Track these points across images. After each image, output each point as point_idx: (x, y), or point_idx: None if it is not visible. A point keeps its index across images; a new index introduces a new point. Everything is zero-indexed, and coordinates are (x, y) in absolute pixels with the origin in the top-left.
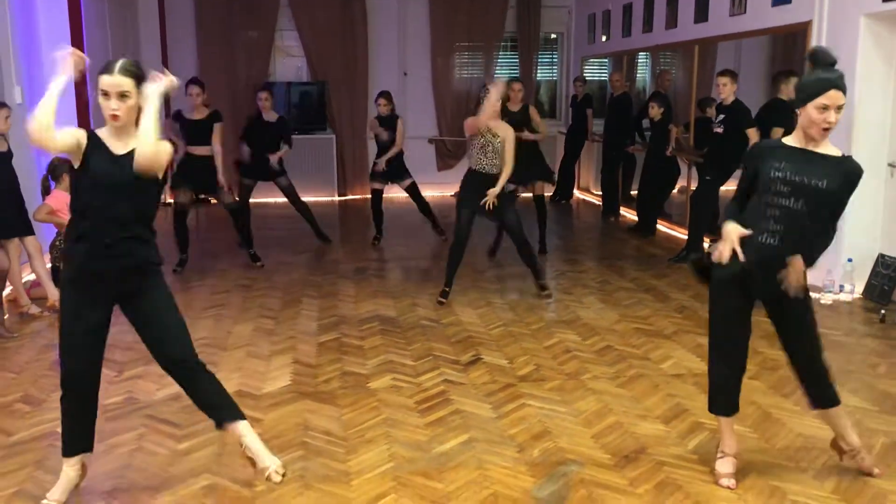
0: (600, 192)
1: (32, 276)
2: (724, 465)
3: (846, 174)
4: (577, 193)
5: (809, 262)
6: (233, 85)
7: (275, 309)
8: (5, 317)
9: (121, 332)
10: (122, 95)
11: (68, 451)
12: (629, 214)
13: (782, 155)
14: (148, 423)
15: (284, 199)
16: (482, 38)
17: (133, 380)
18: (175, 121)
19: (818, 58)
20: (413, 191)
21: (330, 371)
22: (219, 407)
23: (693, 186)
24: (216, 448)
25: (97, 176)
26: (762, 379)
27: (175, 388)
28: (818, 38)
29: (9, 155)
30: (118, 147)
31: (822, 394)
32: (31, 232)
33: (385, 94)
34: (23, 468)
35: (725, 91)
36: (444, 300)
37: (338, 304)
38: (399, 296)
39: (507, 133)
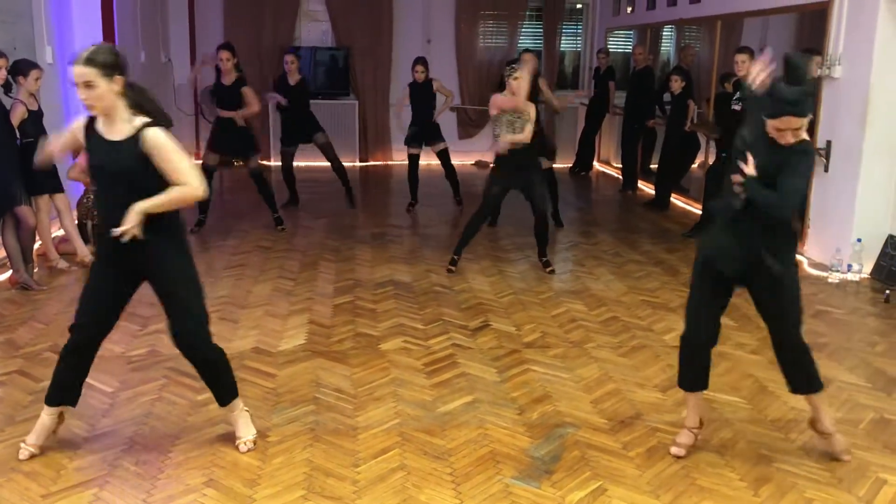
0: (620, 166)
1: (61, 232)
2: (681, 436)
3: (798, 155)
4: (596, 165)
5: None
6: (258, 49)
7: (293, 271)
8: (35, 270)
9: (147, 288)
10: (87, 85)
11: (51, 400)
12: (647, 188)
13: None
14: (169, 375)
15: (308, 163)
16: (507, 6)
17: (156, 334)
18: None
19: (789, 71)
20: (444, 156)
21: (343, 332)
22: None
23: (712, 162)
24: None
25: (94, 164)
26: (762, 353)
27: None
28: (839, 17)
29: (39, 114)
30: (112, 133)
31: (800, 378)
32: (60, 189)
33: (421, 61)
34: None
35: (744, 68)
36: (453, 269)
37: (354, 267)
38: (414, 262)
39: (531, 110)
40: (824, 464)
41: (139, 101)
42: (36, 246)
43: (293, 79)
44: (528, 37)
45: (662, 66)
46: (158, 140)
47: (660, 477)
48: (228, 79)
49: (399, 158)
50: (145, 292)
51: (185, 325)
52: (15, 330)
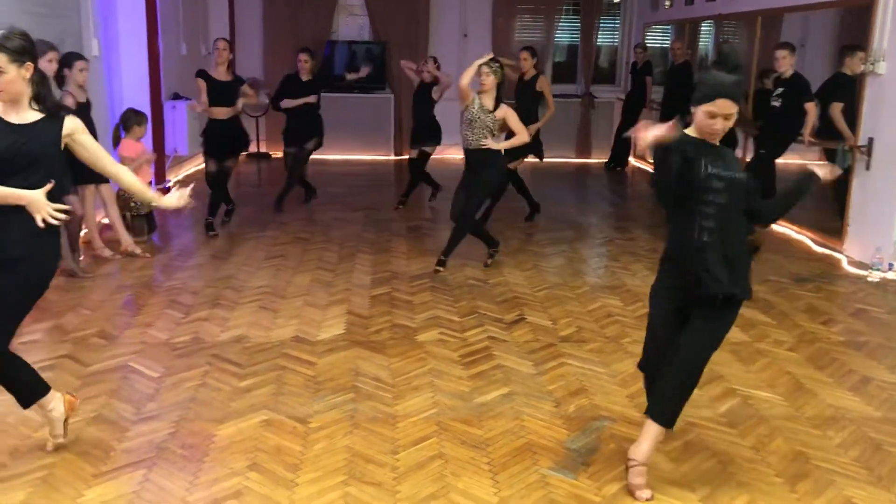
0: None
1: (105, 221)
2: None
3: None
4: (632, 161)
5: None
6: (296, 43)
7: (332, 262)
8: (81, 258)
9: (190, 277)
10: None
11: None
12: None
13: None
14: (212, 362)
15: (344, 157)
16: (544, 0)
17: (199, 322)
18: (200, 77)
19: (721, 59)
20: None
21: (381, 322)
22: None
23: (749, 158)
24: (274, 387)
25: None
26: (799, 351)
27: (238, 330)
28: (884, 13)
29: (87, 105)
30: (17, 118)
31: (659, 407)
32: (106, 180)
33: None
34: (99, 396)
35: (784, 64)
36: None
37: (391, 260)
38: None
39: (503, 115)
40: (863, 461)
41: (42, 90)
42: (81, 234)
43: (304, 77)
44: (565, 31)
45: (700, 61)
46: (79, 127)
47: (696, 471)
48: (225, 75)
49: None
50: (188, 283)
51: None
52: (63, 315)
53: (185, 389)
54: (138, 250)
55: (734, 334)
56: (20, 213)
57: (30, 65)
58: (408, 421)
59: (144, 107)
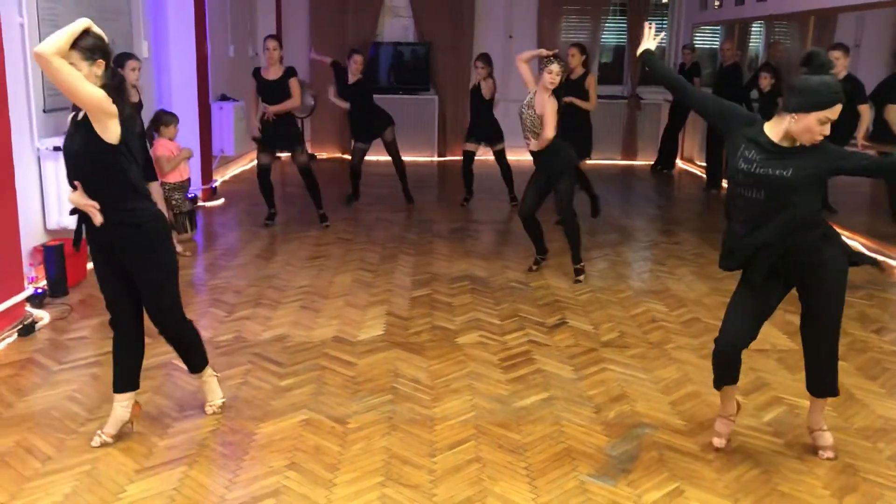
0: (704, 164)
1: None
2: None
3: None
4: (679, 163)
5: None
6: (342, 44)
7: (373, 263)
8: None
9: (234, 277)
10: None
11: (115, 388)
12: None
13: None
14: (254, 361)
15: (388, 157)
16: (591, 1)
17: (242, 320)
18: (253, 78)
19: (821, 61)
20: (501, 155)
21: (421, 324)
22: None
23: None
24: (314, 387)
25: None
26: (850, 360)
27: (280, 329)
28: None
29: (139, 106)
30: (82, 114)
31: (819, 383)
32: (155, 178)
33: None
34: (144, 392)
35: (838, 66)
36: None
37: (432, 261)
38: (491, 258)
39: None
40: None
41: (109, 86)
42: None
43: (353, 78)
44: (612, 32)
45: (750, 62)
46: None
47: (739, 481)
48: (274, 73)
49: (482, 153)
50: (231, 282)
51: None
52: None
53: (226, 388)
54: (180, 248)
55: (781, 341)
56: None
57: (101, 62)
58: (445, 424)
59: (192, 108)
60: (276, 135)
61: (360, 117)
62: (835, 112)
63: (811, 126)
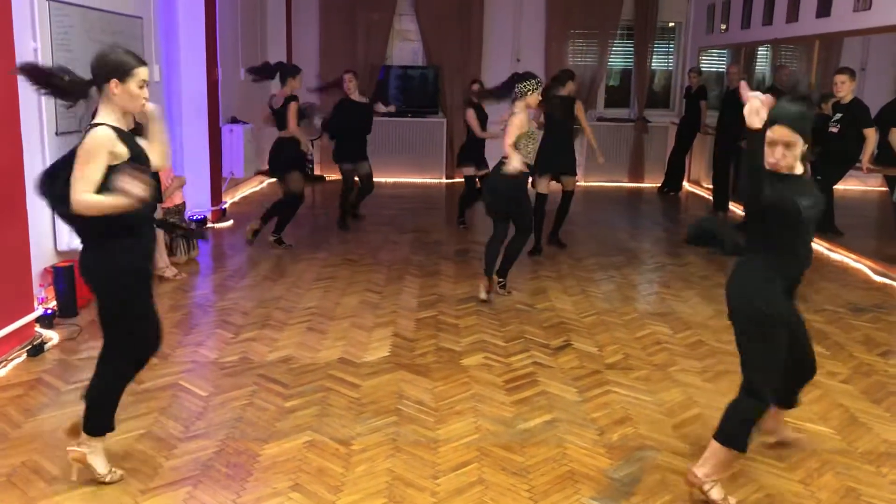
0: (711, 186)
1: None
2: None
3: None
4: (686, 186)
5: None
6: (351, 66)
7: (379, 284)
8: None
9: (241, 298)
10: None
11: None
12: (740, 211)
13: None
14: (259, 382)
15: (395, 179)
16: (598, 25)
17: (248, 342)
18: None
19: (790, 88)
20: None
21: (426, 346)
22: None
23: None
24: (319, 408)
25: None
26: (854, 383)
27: (286, 351)
28: None
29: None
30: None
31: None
32: (161, 199)
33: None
34: (150, 413)
35: (843, 89)
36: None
37: (438, 283)
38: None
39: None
40: None
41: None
42: None
43: (357, 97)
44: (619, 55)
45: (757, 85)
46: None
47: None
48: (359, 98)
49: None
50: (239, 303)
51: None
52: None
53: (231, 409)
54: (169, 273)
55: None
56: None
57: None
58: (449, 446)
59: (202, 130)
60: (277, 159)
61: (357, 138)
62: (773, 132)
63: (766, 150)
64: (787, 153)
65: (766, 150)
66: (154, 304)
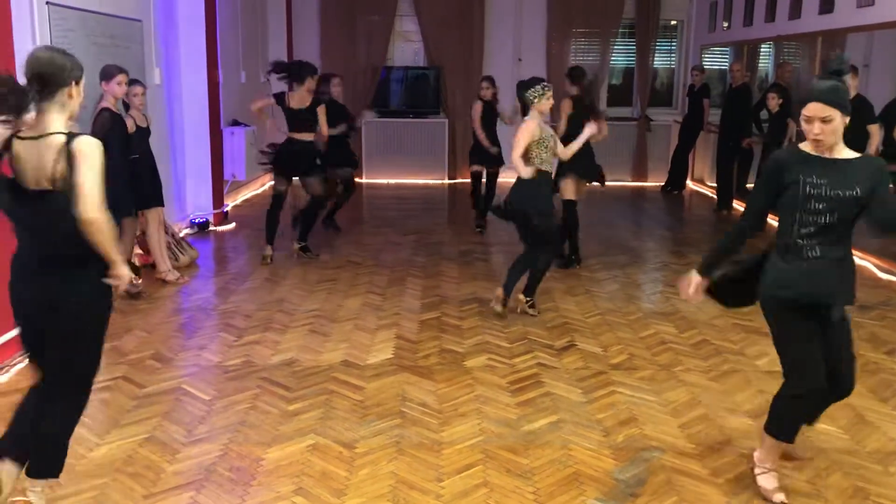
0: (714, 184)
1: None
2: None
3: (873, 173)
4: (689, 184)
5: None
6: (354, 69)
7: (382, 286)
8: (139, 280)
9: (243, 301)
10: None
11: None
12: (743, 209)
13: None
14: (262, 385)
15: (397, 181)
16: (599, 23)
17: (251, 345)
18: (277, 104)
19: (827, 65)
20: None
21: (429, 347)
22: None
23: None
24: (322, 411)
25: None
26: (861, 381)
27: (288, 354)
28: None
29: (147, 132)
30: None
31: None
32: (161, 203)
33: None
34: (153, 417)
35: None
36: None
37: (441, 284)
38: (499, 280)
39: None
40: None
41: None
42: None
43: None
44: (621, 54)
45: (760, 83)
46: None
47: None
48: (301, 102)
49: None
50: (241, 306)
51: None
52: (120, 337)
53: (235, 412)
54: (171, 277)
55: None
56: None
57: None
58: (453, 448)
59: (204, 133)
60: (293, 162)
61: (343, 143)
62: (809, 110)
63: (803, 126)
64: (824, 128)
65: (804, 127)
66: None
